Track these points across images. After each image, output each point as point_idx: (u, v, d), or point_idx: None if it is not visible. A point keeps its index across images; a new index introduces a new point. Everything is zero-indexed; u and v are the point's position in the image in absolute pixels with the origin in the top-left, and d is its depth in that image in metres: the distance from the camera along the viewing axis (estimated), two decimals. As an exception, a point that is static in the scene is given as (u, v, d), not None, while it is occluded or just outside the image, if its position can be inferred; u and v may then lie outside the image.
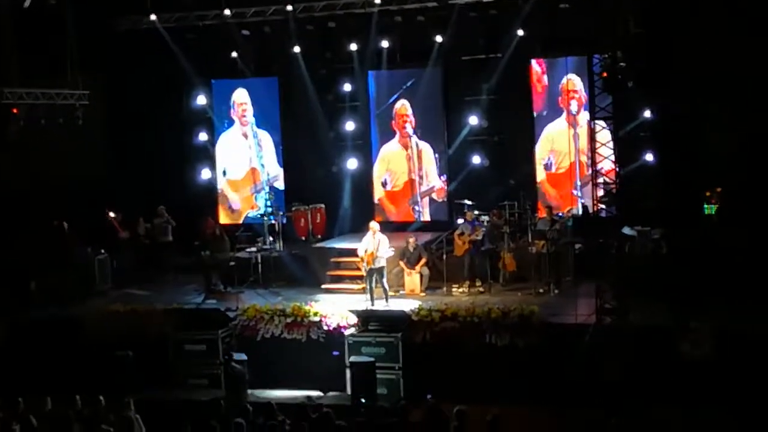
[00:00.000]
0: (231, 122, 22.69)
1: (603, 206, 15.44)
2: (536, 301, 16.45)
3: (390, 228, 19.99)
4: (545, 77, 20.58)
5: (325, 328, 16.19)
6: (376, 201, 21.80)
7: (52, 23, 19.58)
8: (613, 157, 15.30)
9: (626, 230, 16.91)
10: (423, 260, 18.03)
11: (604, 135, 15.58)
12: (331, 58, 21.58)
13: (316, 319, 16.28)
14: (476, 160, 20.61)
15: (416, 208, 21.66)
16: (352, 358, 15.44)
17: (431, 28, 20.14)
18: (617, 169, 15.32)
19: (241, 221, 22.37)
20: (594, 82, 15.33)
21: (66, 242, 19.32)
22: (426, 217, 21.59)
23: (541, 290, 17.43)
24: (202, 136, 22.54)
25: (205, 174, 22.58)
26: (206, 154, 22.64)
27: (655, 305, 15.00)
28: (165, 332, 16.51)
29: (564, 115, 20.39)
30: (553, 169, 20.60)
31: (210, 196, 22.65)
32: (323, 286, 18.51)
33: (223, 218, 22.46)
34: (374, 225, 17.51)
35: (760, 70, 16.92)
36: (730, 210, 17.23)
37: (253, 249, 19.61)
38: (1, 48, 19.14)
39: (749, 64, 17.09)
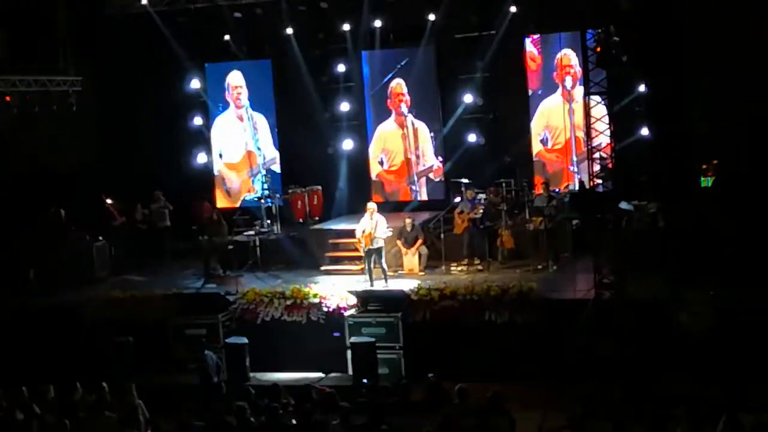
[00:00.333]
0: (226, 106, 22.64)
1: (599, 181, 15.44)
2: (535, 278, 16.48)
3: (387, 208, 19.98)
4: (539, 55, 20.54)
5: (325, 309, 16.20)
6: (374, 178, 21.77)
7: (43, 10, 19.50)
8: (608, 132, 15.28)
9: (623, 205, 16.94)
10: (421, 240, 18.06)
11: (599, 110, 15.57)
12: (324, 38, 21.52)
13: (316, 300, 16.29)
14: (472, 138, 20.60)
15: (413, 187, 21.66)
16: (353, 339, 15.48)
17: (424, 6, 20.10)
18: (613, 143, 15.31)
19: (238, 205, 22.36)
20: (588, 57, 15.27)
21: (63, 230, 19.32)
22: (423, 196, 21.60)
23: (539, 267, 17.46)
24: (197, 120, 22.48)
25: (201, 158, 22.54)
26: (201, 138, 22.59)
27: (653, 279, 15.02)
28: (165, 317, 16.53)
29: (559, 90, 20.37)
30: (549, 145, 20.61)
31: (206, 180, 22.62)
32: (322, 268, 18.53)
33: (221, 202, 22.45)
34: (371, 205, 17.50)
35: (754, 41, 16.88)
36: (726, 182, 17.22)
37: (251, 232, 19.61)
38: (-8, 36, 19.10)
39: (744, 35, 17.05)
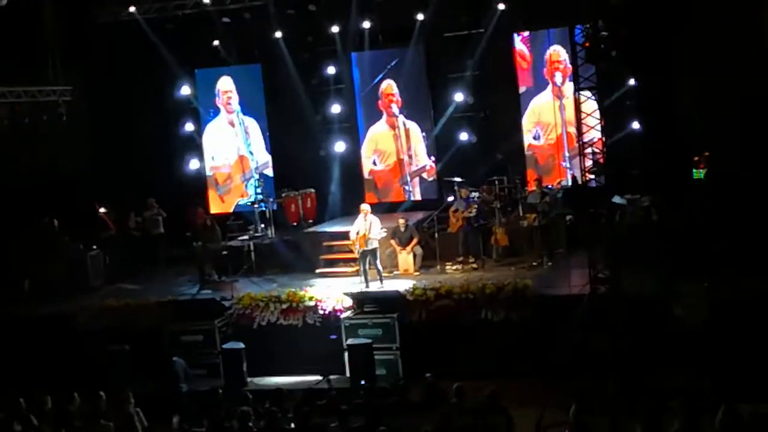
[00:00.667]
0: (216, 111, 22.62)
1: (592, 176, 15.44)
2: (530, 275, 16.49)
3: (381, 209, 19.99)
4: (528, 53, 20.56)
5: (321, 312, 16.18)
6: (367, 177, 21.74)
7: (30, 20, 19.46)
8: (599, 127, 15.29)
9: (616, 199, 16.96)
10: (415, 240, 18.05)
11: (589, 105, 15.56)
12: (313, 41, 21.53)
13: (312, 303, 16.28)
14: (463, 136, 20.60)
15: (406, 187, 21.66)
16: (350, 341, 15.46)
17: (412, 6, 20.10)
18: (604, 138, 15.32)
19: (231, 210, 22.34)
20: (577, 52, 15.28)
21: (57, 239, 19.29)
22: (416, 196, 21.60)
23: (534, 263, 17.46)
24: (189, 127, 22.45)
25: (194, 164, 22.51)
26: (193, 144, 22.56)
27: (648, 272, 15.02)
28: (161, 324, 16.51)
29: (549, 87, 20.39)
30: (542, 141, 20.62)
31: (199, 186, 22.58)
32: (317, 271, 18.51)
33: (214, 207, 22.43)
34: (365, 207, 17.50)
35: (742, 31, 16.91)
36: (719, 174, 17.25)
37: (245, 237, 19.60)
38: (-21, 48, 19.05)
39: (732, 26, 17.09)
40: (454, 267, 17.80)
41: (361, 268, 17.19)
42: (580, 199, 16.24)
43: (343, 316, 15.90)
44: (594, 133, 15.43)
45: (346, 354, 15.44)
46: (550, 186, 19.44)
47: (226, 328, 16.46)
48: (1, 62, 18.86)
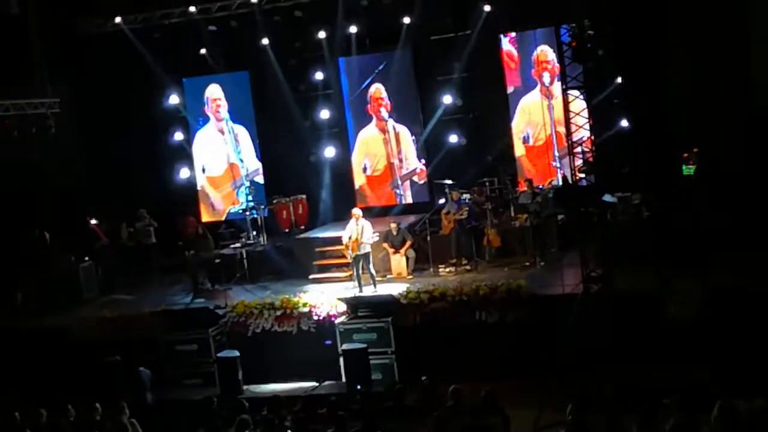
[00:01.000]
0: (206, 120, 22.62)
1: (582, 175, 15.47)
2: (523, 275, 16.51)
3: (373, 213, 20.03)
4: (516, 53, 20.60)
5: (315, 318, 16.19)
6: (357, 187, 21.78)
7: (16, 33, 19.42)
8: (588, 126, 15.32)
9: (607, 197, 16.99)
10: (408, 243, 18.05)
11: (578, 104, 15.61)
12: (300, 47, 21.51)
13: (306, 309, 16.28)
14: (453, 139, 20.61)
15: (397, 191, 21.67)
16: (345, 346, 15.46)
17: (398, 10, 20.08)
18: (593, 137, 15.35)
19: (223, 218, 22.32)
20: (563, 52, 15.32)
21: (48, 252, 19.24)
22: (408, 199, 21.61)
23: (526, 264, 17.49)
24: (178, 136, 22.43)
25: (184, 173, 22.47)
26: (183, 154, 22.55)
27: (641, 269, 15.04)
28: (155, 335, 16.48)
29: (538, 87, 20.43)
30: (531, 142, 20.67)
31: (190, 195, 22.57)
32: (310, 277, 18.52)
33: (206, 216, 22.41)
34: (357, 211, 17.49)
35: (726, 27, 16.98)
36: (708, 169, 17.30)
37: (238, 245, 19.58)
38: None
39: (718, 21, 17.15)
40: (448, 269, 17.82)
41: (355, 273, 17.20)
42: (571, 199, 16.28)
43: (337, 321, 15.90)
44: (583, 132, 15.47)
45: (341, 359, 15.43)
46: (540, 186, 19.46)
47: (220, 336, 16.45)
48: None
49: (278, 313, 16.40)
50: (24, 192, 20.00)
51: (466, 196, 18.87)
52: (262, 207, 20.38)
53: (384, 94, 21.39)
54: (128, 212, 20.72)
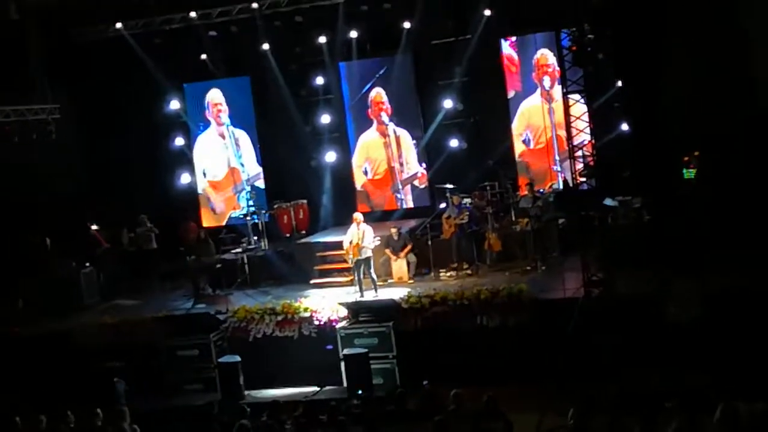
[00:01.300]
0: (206, 125, 22.63)
1: (583, 179, 15.47)
2: (524, 279, 16.49)
3: (374, 217, 20.01)
4: (517, 57, 20.61)
5: (317, 323, 16.18)
6: (359, 187, 21.75)
7: (17, 40, 19.45)
8: (589, 130, 15.32)
9: (608, 201, 16.99)
10: (408, 247, 18.04)
11: (578, 108, 15.60)
12: (300, 52, 21.53)
13: (307, 314, 16.27)
14: (454, 143, 20.61)
15: (398, 195, 21.67)
16: (346, 351, 15.45)
17: (398, 14, 20.09)
18: (594, 141, 15.34)
19: (224, 223, 22.32)
20: (564, 56, 15.32)
21: (49, 258, 19.24)
22: (409, 204, 21.61)
23: (528, 268, 17.46)
24: (179, 141, 22.45)
25: (185, 178, 22.48)
26: (184, 159, 22.57)
27: (642, 273, 15.03)
28: (156, 340, 16.47)
29: (538, 90, 20.44)
30: (532, 145, 20.67)
31: (191, 200, 22.58)
32: (311, 282, 18.50)
33: (207, 221, 22.41)
34: (358, 216, 17.49)
35: (725, 29, 16.98)
36: (709, 173, 17.29)
37: (239, 250, 19.59)
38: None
39: (718, 25, 17.14)
40: (449, 273, 17.80)
41: (356, 278, 17.19)
42: (571, 203, 16.28)
43: (338, 326, 15.89)
44: (584, 136, 15.47)
45: (342, 364, 15.42)
46: (541, 190, 19.46)
47: (221, 341, 16.44)
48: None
49: (279, 318, 16.39)
50: (25, 198, 20.01)
51: (467, 200, 18.86)
52: (263, 212, 20.38)
53: (385, 99, 21.40)
54: (129, 218, 20.72)
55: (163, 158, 22.45)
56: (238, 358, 15.90)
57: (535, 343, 14.75)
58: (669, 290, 14.36)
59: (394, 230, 18.18)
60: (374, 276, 17.14)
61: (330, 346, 15.86)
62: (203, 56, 21.49)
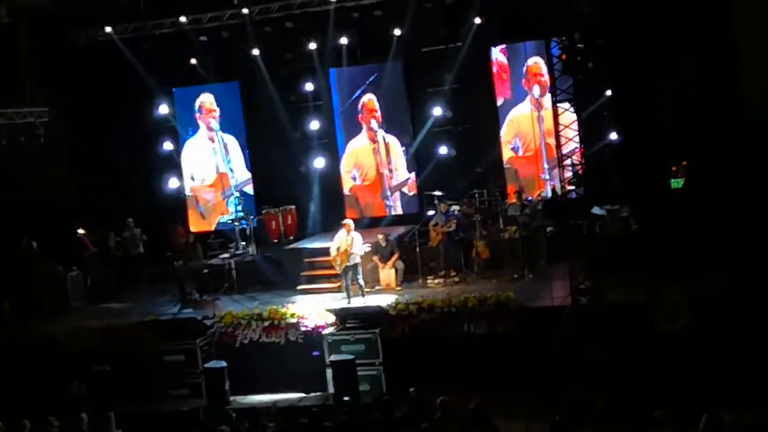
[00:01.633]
0: (195, 129, 22.59)
1: (571, 188, 15.49)
2: (512, 287, 16.48)
3: (363, 224, 20.00)
4: (507, 65, 20.65)
5: (303, 329, 16.13)
6: (347, 192, 21.73)
7: (6, 42, 19.38)
8: (578, 138, 15.35)
9: (596, 210, 17.01)
10: (396, 254, 18.02)
11: (567, 117, 15.63)
12: (291, 58, 21.52)
13: (294, 320, 16.22)
14: (443, 150, 20.63)
15: (387, 202, 21.66)
16: (332, 357, 15.41)
17: (389, 21, 20.11)
18: (583, 149, 15.37)
19: (213, 228, 22.26)
20: (553, 64, 15.36)
21: (36, 261, 19.15)
22: (398, 210, 21.60)
23: (515, 275, 17.46)
24: (167, 145, 22.38)
25: (173, 183, 22.40)
26: (172, 163, 22.50)
27: (629, 282, 15.06)
28: (142, 345, 16.40)
29: (528, 98, 20.48)
30: (521, 152, 20.70)
31: (179, 204, 22.51)
32: (299, 287, 18.46)
33: (195, 225, 22.34)
34: (349, 223, 17.50)
35: (715, 40, 17.06)
36: (696, 183, 17.35)
37: (227, 255, 19.52)
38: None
39: (707, 35, 17.22)
40: (436, 281, 17.80)
41: (344, 284, 17.17)
42: (560, 211, 16.32)
43: (325, 332, 15.84)
44: (573, 144, 15.49)
45: (329, 370, 15.38)
46: (530, 198, 19.49)
47: (208, 347, 16.37)
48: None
49: (266, 323, 16.34)
50: (12, 201, 19.92)
51: (455, 207, 18.85)
52: (252, 217, 20.33)
53: (377, 105, 21.38)
54: (117, 221, 20.63)
55: (151, 162, 22.38)
56: (224, 364, 15.82)
57: (523, 350, 14.74)
58: (657, 299, 14.38)
59: (381, 237, 18.17)
60: (362, 282, 17.12)
61: (317, 353, 15.81)
62: (193, 61, 21.44)
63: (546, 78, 19.65)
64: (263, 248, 20.16)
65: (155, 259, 20.37)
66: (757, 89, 17.16)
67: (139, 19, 20.76)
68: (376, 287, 17.86)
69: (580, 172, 15.35)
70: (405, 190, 21.49)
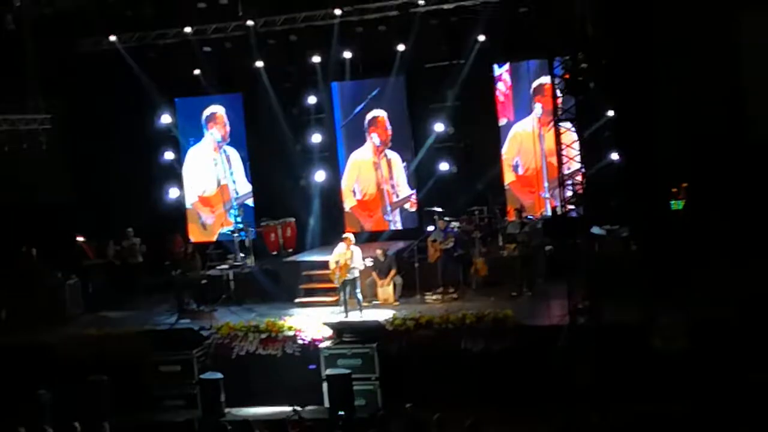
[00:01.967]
0: (197, 139, 22.60)
1: (571, 207, 15.50)
2: (510, 305, 16.45)
3: (362, 238, 19.99)
4: (510, 82, 20.70)
5: (300, 342, 16.12)
6: (348, 210, 21.76)
7: (11, 49, 19.43)
8: (579, 158, 15.37)
9: (595, 230, 16.99)
10: (394, 270, 18.02)
11: (569, 136, 15.65)
12: (294, 71, 21.55)
13: (291, 333, 16.22)
14: (444, 167, 20.65)
15: (386, 217, 21.67)
16: (329, 371, 15.38)
17: (393, 37, 20.13)
18: (583, 169, 15.39)
19: (214, 238, 22.24)
20: (556, 84, 15.39)
21: (35, 269, 19.13)
22: (397, 225, 21.61)
23: (514, 293, 17.45)
24: (168, 155, 22.38)
25: (173, 193, 22.40)
26: (173, 173, 22.50)
27: (627, 302, 15.06)
28: (139, 354, 16.36)
29: (531, 116, 20.52)
30: (521, 171, 20.72)
31: (179, 214, 22.51)
32: (297, 300, 18.43)
33: (196, 236, 22.33)
34: (349, 236, 17.51)
35: (719, 62, 17.11)
36: (697, 204, 17.37)
37: (225, 266, 19.51)
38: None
39: (709, 58, 17.27)
40: (434, 297, 17.77)
41: (341, 298, 17.16)
42: (559, 230, 16.27)
43: (322, 345, 15.83)
44: (573, 164, 15.51)
45: (324, 384, 15.34)
46: (529, 216, 19.49)
47: (204, 358, 16.35)
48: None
49: (263, 336, 16.34)
50: (12, 208, 19.93)
51: (455, 224, 18.84)
52: (251, 229, 20.34)
53: (388, 124, 21.35)
54: (117, 230, 20.62)
55: (152, 172, 22.38)
56: (220, 375, 15.81)
57: (519, 369, 14.72)
58: (654, 320, 14.38)
59: (380, 251, 18.17)
60: (360, 297, 17.12)
61: (313, 366, 15.79)
62: (196, 71, 21.48)
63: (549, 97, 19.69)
64: (262, 260, 20.14)
65: (154, 268, 20.34)
66: (760, 111, 17.21)
67: (143, 28, 20.80)
68: (374, 302, 17.84)
69: (581, 191, 15.35)
70: (407, 206, 21.49)
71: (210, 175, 22.56)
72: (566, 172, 15.50)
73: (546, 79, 19.11)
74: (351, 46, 20.56)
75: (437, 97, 20.72)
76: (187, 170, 22.61)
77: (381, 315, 16.52)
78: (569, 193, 15.45)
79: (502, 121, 20.82)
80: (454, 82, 20.30)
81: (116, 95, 21.07)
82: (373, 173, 21.66)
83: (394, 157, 21.51)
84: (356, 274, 17.08)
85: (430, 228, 19.21)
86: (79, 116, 21.39)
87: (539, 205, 20.45)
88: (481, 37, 19.82)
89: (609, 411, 13.13)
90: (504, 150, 20.74)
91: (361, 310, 17.00)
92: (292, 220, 21.46)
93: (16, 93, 19.52)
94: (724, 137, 17.35)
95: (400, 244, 19.84)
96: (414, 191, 21.28)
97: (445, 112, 20.58)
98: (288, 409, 14.86)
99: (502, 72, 20.77)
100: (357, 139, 21.73)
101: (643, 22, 17.62)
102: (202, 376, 15.93)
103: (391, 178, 21.54)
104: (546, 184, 20.37)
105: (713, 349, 13.82)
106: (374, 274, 18.02)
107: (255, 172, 22.25)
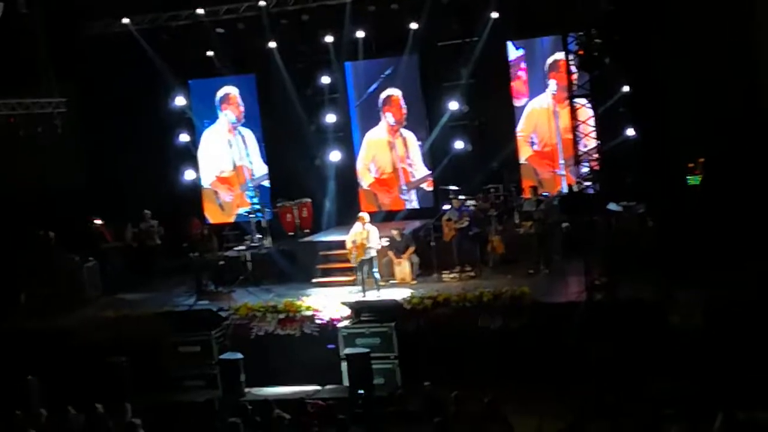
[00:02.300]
0: (211, 121, 22.63)
1: (588, 183, 15.46)
2: (527, 282, 16.47)
3: (378, 217, 20.01)
4: (524, 59, 20.61)
5: (318, 322, 16.20)
6: (366, 187, 21.75)
7: (24, 32, 19.45)
8: (594, 135, 15.31)
9: (612, 206, 16.95)
10: (411, 249, 18.04)
11: (584, 113, 15.60)
12: (307, 51, 21.52)
13: (309, 313, 16.30)
14: (459, 145, 20.61)
15: (402, 197, 21.67)
16: (347, 350, 15.44)
17: (405, 15, 20.06)
18: (599, 146, 15.34)
19: (232, 219, 22.31)
20: (570, 60, 15.32)
21: (52, 252, 19.24)
22: (413, 204, 21.62)
23: (530, 271, 17.44)
24: (183, 137, 22.44)
25: (189, 175, 22.49)
26: (188, 155, 22.56)
27: (644, 279, 15.04)
28: (158, 336, 16.48)
29: (545, 93, 20.44)
30: (538, 147, 20.68)
31: (195, 196, 22.59)
32: (314, 280, 18.51)
33: (213, 217, 22.42)
34: (364, 216, 17.53)
35: (733, 37, 16.97)
36: (713, 180, 17.28)
37: (242, 247, 19.60)
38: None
39: (722, 31, 17.13)
40: (451, 275, 17.79)
41: (359, 278, 17.20)
42: (575, 207, 16.25)
43: (340, 325, 15.90)
44: (589, 140, 15.46)
45: (344, 363, 15.41)
46: (545, 193, 19.45)
47: (223, 338, 16.45)
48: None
49: (281, 316, 16.42)
50: (29, 191, 20.03)
51: (470, 203, 18.82)
52: (267, 210, 20.39)
53: (403, 103, 21.31)
54: (134, 212, 20.70)
55: (167, 154, 22.44)
56: (239, 356, 15.90)
57: (537, 346, 14.75)
58: (671, 297, 14.37)
59: (396, 231, 18.19)
60: (377, 276, 17.16)
61: (332, 346, 15.86)
62: (209, 53, 21.47)
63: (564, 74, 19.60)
64: (278, 241, 20.20)
65: (171, 250, 20.44)
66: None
67: (155, 10, 20.81)
68: (391, 281, 17.88)
69: (597, 168, 15.31)
70: (424, 186, 21.48)
71: (226, 157, 22.60)
72: (582, 148, 15.47)
73: (560, 56, 19.05)
74: (364, 25, 20.49)
75: (451, 75, 20.66)
76: (203, 152, 22.65)
77: (398, 294, 16.56)
78: (585, 170, 15.42)
79: (518, 99, 20.72)
80: (468, 60, 20.22)
81: (130, 78, 21.05)
82: (388, 153, 21.65)
83: (410, 135, 21.50)
84: (373, 253, 17.11)
85: (446, 207, 19.21)
86: (93, 99, 21.45)
87: (556, 182, 20.41)
88: (494, 14, 19.73)
89: (626, 387, 13.13)
90: (521, 127, 20.68)
91: (378, 289, 17.05)
92: (308, 200, 21.50)
93: (30, 77, 19.55)
94: (740, 111, 17.22)
95: (416, 224, 19.85)
96: (431, 172, 21.25)
97: (459, 90, 20.52)
98: (308, 388, 14.93)
99: (516, 49, 20.64)
100: (371, 119, 21.72)
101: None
102: (221, 357, 16.03)
103: (408, 156, 21.53)
104: (562, 161, 20.32)
105: (730, 325, 13.80)
106: (390, 253, 18.04)
107: (270, 153, 22.29)
